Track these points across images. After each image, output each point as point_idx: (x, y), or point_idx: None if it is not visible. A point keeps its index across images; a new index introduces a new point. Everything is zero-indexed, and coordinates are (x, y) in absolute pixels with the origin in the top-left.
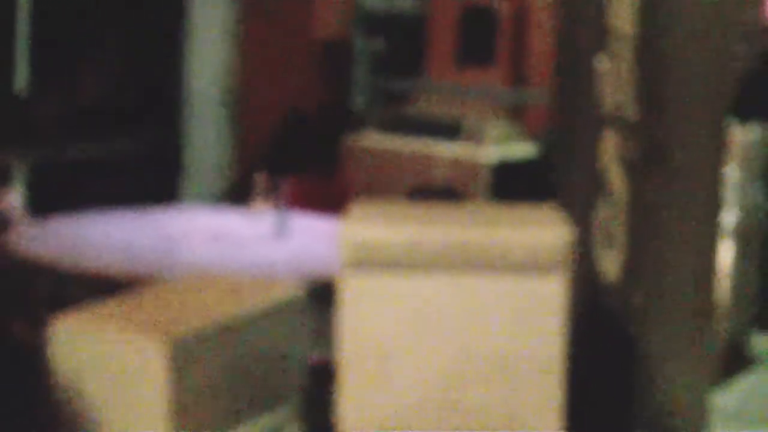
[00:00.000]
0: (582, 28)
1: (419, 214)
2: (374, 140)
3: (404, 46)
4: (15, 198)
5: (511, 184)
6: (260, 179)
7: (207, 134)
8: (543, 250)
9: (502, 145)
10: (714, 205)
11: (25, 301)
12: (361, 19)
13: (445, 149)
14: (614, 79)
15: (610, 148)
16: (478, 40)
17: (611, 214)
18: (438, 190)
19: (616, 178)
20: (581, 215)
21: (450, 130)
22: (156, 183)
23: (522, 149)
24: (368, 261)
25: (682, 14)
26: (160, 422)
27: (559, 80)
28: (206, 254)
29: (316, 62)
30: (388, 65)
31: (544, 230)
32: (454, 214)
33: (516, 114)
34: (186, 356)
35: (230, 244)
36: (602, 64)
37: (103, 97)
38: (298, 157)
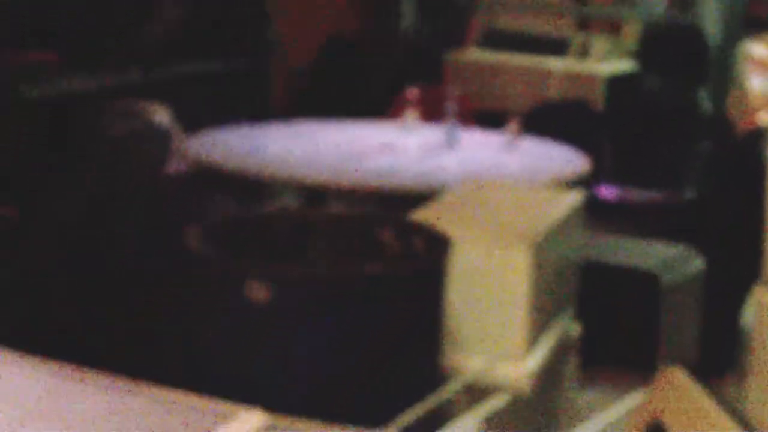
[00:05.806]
0: None
1: None
2: (478, 56)
3: None
4: (165, 113)
5: (623, 97)
6: (412, 92)
7: None
8: None
9: (609, 60)
10: None
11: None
12: None
13: (556, 64)
14: None
15: None
16: None
17: None
18: (565, 104)
19: None
20: None
21: (556, 46)
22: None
23: (624, 64)
24: None
25: None
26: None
27: None
28: (386, 164)
29: None
30: None
31: None
32: None
33: (583, 28)
34: (539, 257)
35: (402, 155)
36: None
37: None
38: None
